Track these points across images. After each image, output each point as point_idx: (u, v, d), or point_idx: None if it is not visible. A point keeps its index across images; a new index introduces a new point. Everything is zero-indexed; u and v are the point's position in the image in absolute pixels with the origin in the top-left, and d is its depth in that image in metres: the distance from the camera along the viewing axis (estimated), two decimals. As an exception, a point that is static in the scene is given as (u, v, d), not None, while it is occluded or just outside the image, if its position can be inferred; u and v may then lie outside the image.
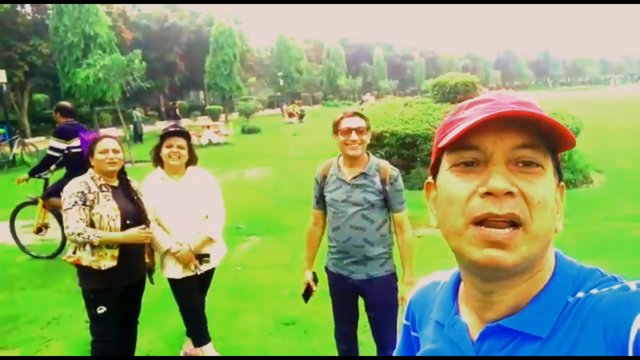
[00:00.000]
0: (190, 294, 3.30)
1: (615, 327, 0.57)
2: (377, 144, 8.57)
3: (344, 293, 2.72)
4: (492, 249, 0.60)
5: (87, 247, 2.83)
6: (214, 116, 30.64)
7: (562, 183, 0.68)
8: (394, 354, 0.97)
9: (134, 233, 2.88)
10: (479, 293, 0.69)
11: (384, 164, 2.63)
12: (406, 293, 2.55)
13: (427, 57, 66.11)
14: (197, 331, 3.43)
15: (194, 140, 18.52)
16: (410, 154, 8.49)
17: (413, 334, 0.88)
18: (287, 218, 7.19)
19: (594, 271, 0.67)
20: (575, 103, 22.99)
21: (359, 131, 2.50)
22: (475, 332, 0.71)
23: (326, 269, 2.80)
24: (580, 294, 0.64)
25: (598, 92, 47.37)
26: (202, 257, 3.23)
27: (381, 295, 2.62)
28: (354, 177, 2.57)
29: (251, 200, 8.74)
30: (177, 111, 27.29)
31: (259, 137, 21.62)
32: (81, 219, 2.77)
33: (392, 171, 2.60)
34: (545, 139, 0.62)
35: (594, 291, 0.63)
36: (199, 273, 3.24)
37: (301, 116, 30.02)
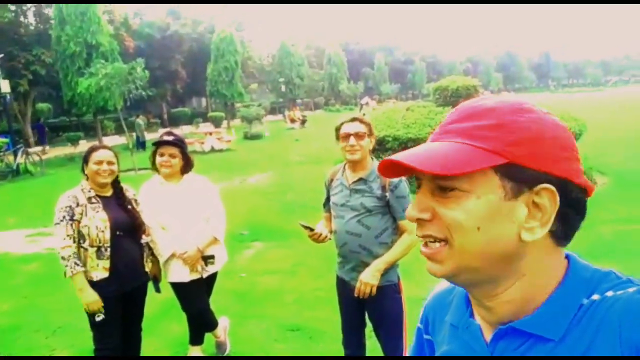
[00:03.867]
0: (199, 297, 3.33)
1: (631, 329, 0.58)
2: (380, 148, 8.57)
3: (347, 298, 2.71)
4: (428, 261, 0.70)
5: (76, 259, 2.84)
6: (216, 123, 30.71)
7: (544, 186, 0.63)
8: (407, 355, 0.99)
9: (90, 295, 2.80)
10: (473, 298, 0.74)
11: None
12: (366, 280, 2.47)
13: (428, 62, 65.98)
14: (201, 332, 3.51)
15: (197, 147, 18.63)
16: (412, 158, 8.48)
17: (425, 336, 0.90)
18: (291, 224, 7.17)
19: (609, 273, 0.66)
20: (577, 105, 22.93)
21: (357, 136, 2.49)
22: (488, 334, 0.72)
23: (336, 273, 2.81)
24: (595, 297, 0.63)
25: (599, 94, 47.30)
26: (207, 259, 3.27)
27: (381, 305, 2.59)
28: (354, 182, 2.57)
29: (254, 207, 8.74)
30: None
31: (262, 143, 21.65)
32: (68, 235, 2.80)
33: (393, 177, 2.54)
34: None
35: (609, 293, 0.63)
36: (204, 275, 3.27)
37: (303, 122, 30.05)
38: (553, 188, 0.63)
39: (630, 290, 0.62)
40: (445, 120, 0.72)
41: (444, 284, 0.88)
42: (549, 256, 0.67)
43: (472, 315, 0.76)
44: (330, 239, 2.66)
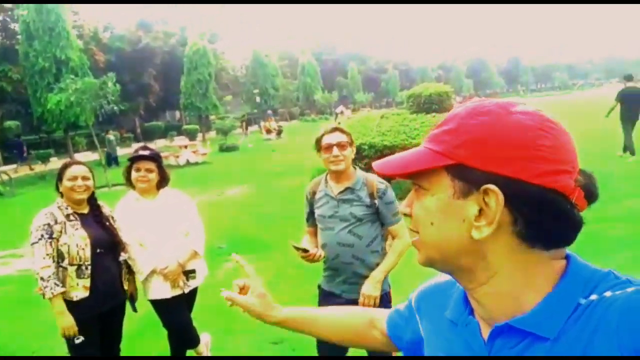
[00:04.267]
0: (180, 313, 3.27)
1: (629, 330, 0.58)
2: (357, 156, 8.59)
3: None
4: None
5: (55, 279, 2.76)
6: (191, 136, 30.44)
7: (487, 186, 0.64)
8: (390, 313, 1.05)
9: (67, 320, 2.73)
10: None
11: (372, 177, 2.58)
12: (368, 292, 2.47)
13: (400, 69, 66.80)
14: (183, 350, 3.43)
15: (172, 160, 18.41)
16: (389, 165, 8.54)
17: (417, 316, 0.93)
18: (270, 235, 7.15)
19: (608, 274, 0.67)
20: (546, 108, 23.44)
21: (340, 146, 2.48)
22: (486, 332, 0.73)
23: (319, 286, 2.75)
24: (593, 296, 0.64)
25: (567, 97, 48.67)
26: (188, 273, 3.22)
27: None
28: (341, 192, 2.54)
29: (232, 219, 8.67)
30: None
31: (238, 155, 21.52)
32: (47, 255, 2.71)
33: (380, 184, 2.55)
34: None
35: (608, 293, 0.63)
36: (186, 291, 3.22)
37: (279, 132, 30.05)
38: (495, 188, 0.63)
39: (629, 290, 0.62)
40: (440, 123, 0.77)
41: (444, 276, 0.89)
42: (519, 256, 0.67)
43: (471, 313, 0.77)
44: (324, 257, 2.57)
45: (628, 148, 10.00)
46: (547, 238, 0.66)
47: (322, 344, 2.71)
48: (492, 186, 0.63)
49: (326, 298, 2.67)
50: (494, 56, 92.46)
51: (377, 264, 2.56)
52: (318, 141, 2.57)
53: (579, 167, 0.68)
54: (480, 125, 0.66)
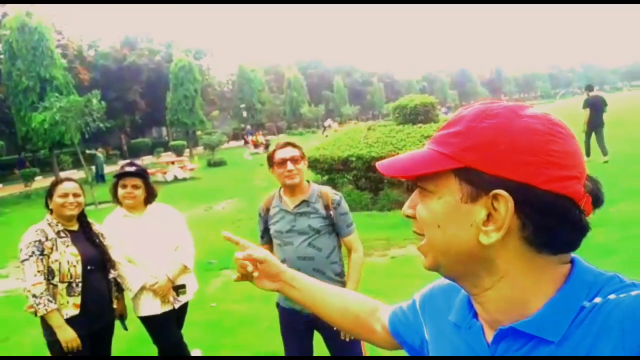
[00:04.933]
0: (170, 329, 3.23)
1: (633, 333, 0.57)
2: (345, 168, 8.64)
3: (298, 328, 2.62)
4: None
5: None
6: (178, 152, 30.32)
7: (497, 191, 0.63)
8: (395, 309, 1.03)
9: (68, 332, 2.70)
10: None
11: (326, 189, 2.64)
12: None
13: (385, 82, 67.42)
14: None
15: (159, 177, 18.29)
16: (377, 176, 8.59)
17: (421, 316, 0.92)
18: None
19: (613, 277, 0.66)
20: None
21: (293, 160, 2.52)
22: (490, 335, 0.72)
23: (277, 305, 2.71)
24: (597, 300, 0.63)
25: (550, 106, 49.50)
26: (178, 289, 3.20)
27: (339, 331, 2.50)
28: (297, 206, 2.56)
29: (221, 234, 8.60)
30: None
31: (226, 170, 21.46)
32: (39, 271, 2.68)
33: (334, 195, 2.60)
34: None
35: (612, 296, 0.62)
36: (176, 306, 3.19)
37: (266, 146, 30.09)
38: (504, 193, 0.62)
39: (633, 293, 0.61)
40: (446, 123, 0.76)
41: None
42: (527, 261, 0.66)
43: (475, 316, 0.77)
44: None
45: (599, 150, 10.45)
46: (555, 243, 0.65)
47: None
48: (502, 192, 0.62)
49: (287, 315, 2.64)
50: (477, 67, 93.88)
51: (337, 275, 2.58)
52: (270, 157, 2.61)
53: (586, 173, 0.66)
54: (489, 128, 0.65)
